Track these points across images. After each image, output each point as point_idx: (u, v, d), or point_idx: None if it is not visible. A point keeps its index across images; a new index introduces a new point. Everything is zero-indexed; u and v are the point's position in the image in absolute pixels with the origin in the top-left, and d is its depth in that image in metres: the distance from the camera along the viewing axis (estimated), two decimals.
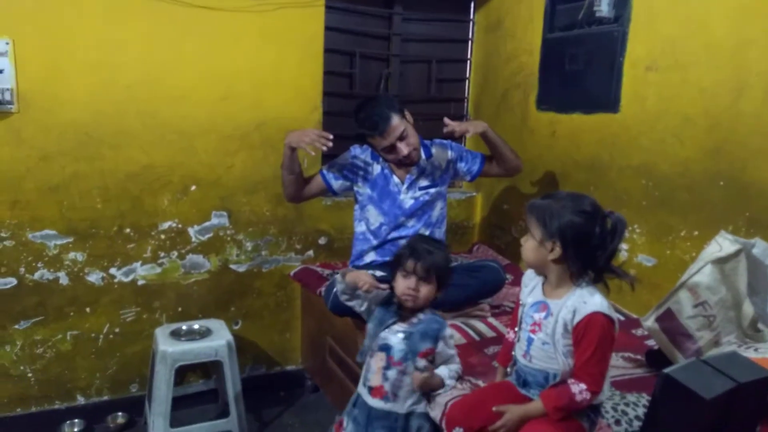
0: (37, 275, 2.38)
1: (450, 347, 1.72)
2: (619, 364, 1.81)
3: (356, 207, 2.46)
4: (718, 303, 1.64)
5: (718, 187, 1.98)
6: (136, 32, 2.35)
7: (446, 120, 2.27)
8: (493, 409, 1.44)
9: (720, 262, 1.65)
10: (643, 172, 2.23)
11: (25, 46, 2.20)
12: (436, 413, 1.63)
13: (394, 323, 1.70)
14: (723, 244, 1.67)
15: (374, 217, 2.39)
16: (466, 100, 3.22)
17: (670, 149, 2.12)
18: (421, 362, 1.67)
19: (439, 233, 2.45)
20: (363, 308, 1.78)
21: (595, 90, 2.39)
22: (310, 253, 2.86)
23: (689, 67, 2.03)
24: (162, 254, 2.57)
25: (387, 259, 2.33)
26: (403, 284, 1.66)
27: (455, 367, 1.72)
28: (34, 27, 2.21)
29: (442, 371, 1.69)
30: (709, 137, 1.99)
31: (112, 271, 2.50)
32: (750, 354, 1.53)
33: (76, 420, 2.51)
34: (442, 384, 1.68)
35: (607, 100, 2.32)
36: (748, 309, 1.68)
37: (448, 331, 1.72)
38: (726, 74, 1.92)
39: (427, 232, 2.39)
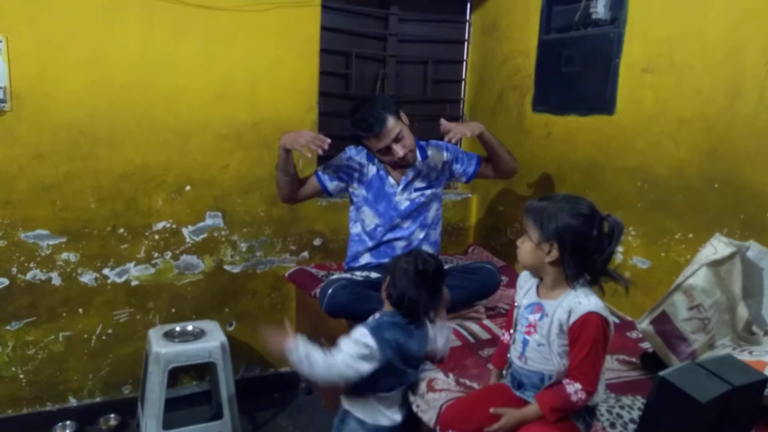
0: (29, 275, 2.36)
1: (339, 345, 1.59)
2: (614, 367, 1.81)
3: (351, 208, 2.45)
4: (712, 306, 1.64)
5: (713, 190, 1.98)
6: (132, 30, 2.34)
7: (443, 122, 2.26)
8: (491, 410, 1.43)
9: (715, 264, 1.65)
10: (638, 174, 2.23)
11: (19, 44, 2.18)
12: (429, 416, 1.62)
13: None
14: (718, 246, 1.68)
15: (369, 218, 2.38)
16: (462, 101, 3.21)
17: (665, 151, 2.12)
18: None
19: (435, 235, 2.45)
20: None
21: (591, 92, 2.38)
22: (305, 254, 2.85)
23: (685, 69, 2.03)
24: (156, 255, 2.56)
25: (382, 260, 2.32)
26: None
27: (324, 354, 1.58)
28: (28, 24, 2.19)
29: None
30: (704, 139, 2.00)
31: (105, 271, 2.48)
32: (744, 357, 1.52)
33: (68, 422, 2.48)
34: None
35: (603, 102, 2.32)
36: (742, 312, 1.68)
37: (357, 333, 1.60)
38: (722, 76, 1.92)
39: (422, 234, 2.39)
